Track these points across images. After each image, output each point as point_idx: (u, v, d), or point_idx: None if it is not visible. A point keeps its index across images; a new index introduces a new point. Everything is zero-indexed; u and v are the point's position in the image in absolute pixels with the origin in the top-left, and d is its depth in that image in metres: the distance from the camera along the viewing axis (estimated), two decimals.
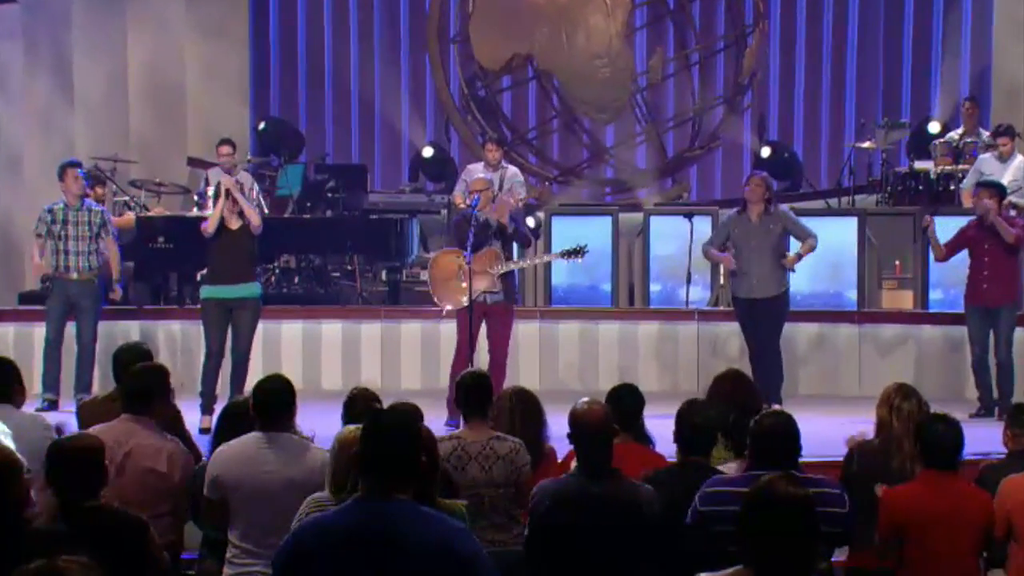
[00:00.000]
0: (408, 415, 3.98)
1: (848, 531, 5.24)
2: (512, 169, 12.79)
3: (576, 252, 10.31)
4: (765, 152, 15.02)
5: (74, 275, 10.84)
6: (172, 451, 5.93)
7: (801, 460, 5.33)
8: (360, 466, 3.88)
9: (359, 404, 6.13)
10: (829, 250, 11.98)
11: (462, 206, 11.89)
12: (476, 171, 12.47)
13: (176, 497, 5.90)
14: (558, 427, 5.56)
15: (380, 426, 3.91)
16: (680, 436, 5.65)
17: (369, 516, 3.76)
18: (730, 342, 11.68)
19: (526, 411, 6.46)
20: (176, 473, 5.88)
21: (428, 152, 15.42)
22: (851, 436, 6.27)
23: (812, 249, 10.45)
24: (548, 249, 12.09)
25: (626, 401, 6.16)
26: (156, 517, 5.54)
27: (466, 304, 9.89)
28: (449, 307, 10.15)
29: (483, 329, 10.13)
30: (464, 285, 9.90)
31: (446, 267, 10.22)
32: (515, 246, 10.52)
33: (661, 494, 5.29)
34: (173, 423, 6.63)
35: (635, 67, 15.10)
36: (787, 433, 5.16)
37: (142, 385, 6.03)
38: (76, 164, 11.12)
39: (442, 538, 3.74)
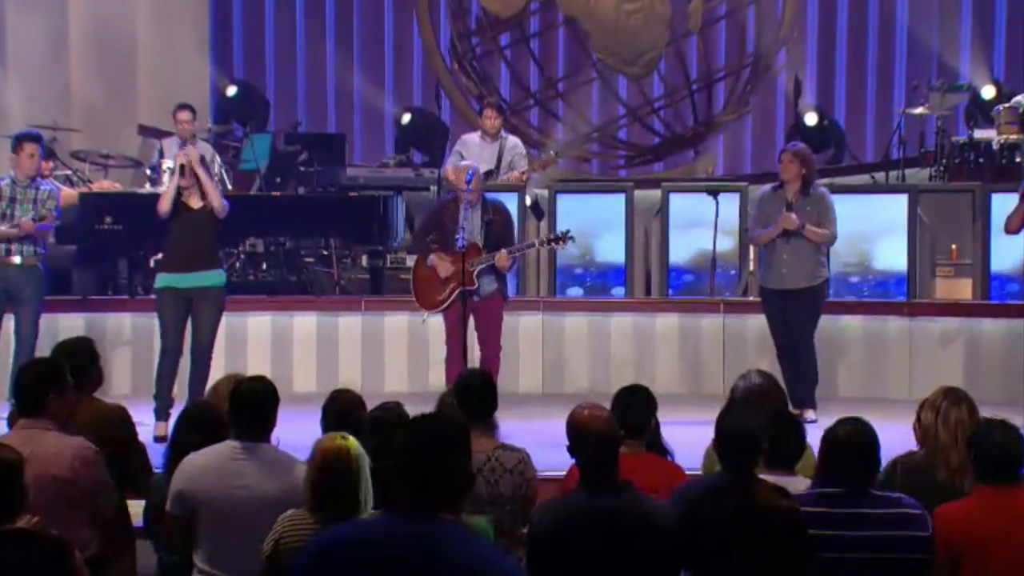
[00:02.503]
0: (458, 425, 3.95)
1: (933, 557, 5.29)
2: (512, 139, 12.85)
3: (560, 239, 10.40)
4: (811, 119, 14.92)
5: (16, 259, 10.83)
6: (76, 450, 5.76)
7: None
8: (401, 480, 3.82)
9: (340, 408, 6.19)
10: (875, 232, 12.04)
11: (455, 182, 11.94)
12: (471, 142, 12.53)
13: (95, 499, 5.76)
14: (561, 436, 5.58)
15: (427, 436, 3.87)
16: (722, 448, 5.64)
17: (414, 535, 3.75)
18: (762, 337, 11.72)
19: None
20: (85, 474, 5.72)
21: (406, 118, 15.39)
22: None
23: (825, 240, 10.40)
24: (551, 230, 12.11)
25: (636, 404, 6.18)
26: (75, 528, 5.51)
27: (444, 306, 10.12)
28: (427, 315, 10.32)
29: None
30: (442, 285, 10.12)
31: (424, 266, 10.36)
32: None
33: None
34: (122, 429, 6.63)
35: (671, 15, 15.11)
36: (867, 445, 5.21)
37: (30, 384, 5.91)
38: (36, 138, 10.95)
39: (488, 566, 3.75)
